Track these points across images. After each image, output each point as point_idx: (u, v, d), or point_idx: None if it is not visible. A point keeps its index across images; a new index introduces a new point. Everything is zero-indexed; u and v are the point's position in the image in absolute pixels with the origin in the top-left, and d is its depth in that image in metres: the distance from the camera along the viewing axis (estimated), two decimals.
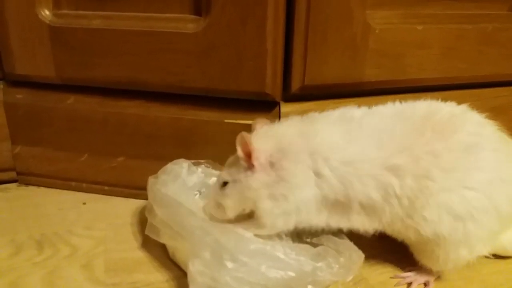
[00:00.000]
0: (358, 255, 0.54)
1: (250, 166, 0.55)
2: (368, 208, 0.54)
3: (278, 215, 0.56)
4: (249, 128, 0.69)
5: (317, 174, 0.54)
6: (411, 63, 0.72)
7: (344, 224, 0.57)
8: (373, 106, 0.60)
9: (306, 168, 0.54)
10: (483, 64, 0.77)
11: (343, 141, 0.55)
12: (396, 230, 0.56)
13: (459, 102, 0.60)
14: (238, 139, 0.54)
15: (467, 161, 0.54)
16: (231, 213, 0.59)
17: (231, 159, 0.60)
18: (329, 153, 0.54)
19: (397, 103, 0.59)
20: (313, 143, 0.55)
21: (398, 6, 0.70)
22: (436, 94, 0.75)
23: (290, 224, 0.57)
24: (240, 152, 0.55)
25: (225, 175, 0.59)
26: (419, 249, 0.59)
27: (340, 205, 0.55)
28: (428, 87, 0.75)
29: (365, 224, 0.56)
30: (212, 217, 0.61)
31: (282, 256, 0.50)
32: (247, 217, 0.61)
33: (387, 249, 0.63)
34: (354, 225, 0.56)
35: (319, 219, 0.57)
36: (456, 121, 0.55)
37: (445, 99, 0.61)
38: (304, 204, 0.55)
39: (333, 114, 0.58)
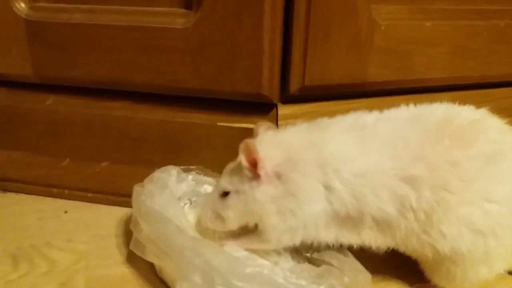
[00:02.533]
0: (365, 276, 0.49)
1: (256, 177, 0.51)
2: (382, 223, 0.50)
3: (285, 231, 0.52)
4: (244, 132, 0.64)
5: (327, 187, 0.50)
6: (419, 62, 0.68)
7: (354, 240, 0.52)
8: (385, 110, 0.55)
9: (316, 181, 0.50)
10: (495, 63, 0.72)
11: (355, 151, 0.50)
12: (411, 247, 0.51)
13: (469, 103, 0.56)
14: (242, 147, 0.49)
15: (489, 172, 0.49)
16: (232, 226, 0.55)
17: (231, 165, 0.55)
18: (341, 165, 0.50)
19: (411, 107, 0.55)
20: (323, 154, 0.50)
21: (405, 0, 0.65)
22: (445, 94, 0.71)
23: (296, 239, 0.53)
24: (244, 161, 0.50)
25: (226, 184, 0.54)
26: (433, 268, 0.54)
27: (351, 220, 0.51)
28: (437, 87, 0.71)
29: (377, 241, 0.52)
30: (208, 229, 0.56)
31: (281, 280, 0.45)
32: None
33: (394, 263, 0.59)
34: (365, 241, 0.52)
35: (327, 235, 0.52)
36: (476, 127, 0.51)
37: (454, 100, 0.57)
38: (312, 220, 0.51)
39: (344, 121, 0.54)
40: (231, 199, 0.53)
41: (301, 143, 0.52)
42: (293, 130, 0.55)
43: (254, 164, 0.50)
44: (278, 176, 0.51)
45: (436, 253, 0.50)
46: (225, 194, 0.54)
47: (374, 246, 0.52)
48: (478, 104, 0.56)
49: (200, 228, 0.59)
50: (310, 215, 0.50)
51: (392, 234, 0.51)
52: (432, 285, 0.57)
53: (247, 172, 0.51)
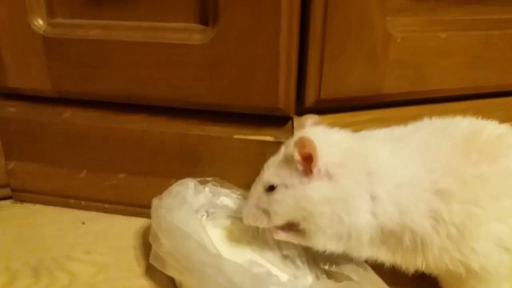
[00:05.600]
0: None
1: (307, 172, 0.50)
2: (417, 241, 0.50)
3: (331, 237, 0.51)
4: (260, 144, 0.65)
5: (373, 197, 0.50)
6: (434, 73, 0.67)
7: (389, 259, 0.53)
8: (408, 123, 0.56)
9: (364, 190, 0.50)
10: (511, 72, 0.71)
11: (395, 162, 0.51)
12: (444, 267, 0.51)
13: (485, 112, 0.57)
14: (298, 140, 0.48)
15: None
16: (278, 221, 0.54)
17: (275, 159, 0.54)
18: (384, 175, 0.50)
19: (435, 119, 0.56)
20: (370, 162, 0.50)
21: (420, 12, 0.65)
22: (459, 104, 0.71)
23: (340, 248, 0.52)
24: (297, 154, 0.49)
25: (273, 177, 0.52)
26: (455, 286, 0.54)
27: (393, 237, 0.51)
28: (451, 97, 0.70)
29: (407, 262, 0.52)
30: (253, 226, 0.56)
31: None
32: None
33: (410, 276, 0.58)
34: (398, 261, 0.52)
35: (367, 251, 0.52)
36: (502, 142, 0.51)
37: (468, 109, 0.58)
38: (356, 232, 0.50)
39: (379, 133, 0.55)
40: (279, 193, 0.52)
41: (352, 147, 0.52)
42: (344, 133, 0.54)
43: (306, 159, 0.49)
44: (329, 176, 0.50)
45: (469, 270, 0.50)
46: (271, 188, 0.52)
47: (404, 267, 0.53)
48: (492, 113, 0.57)
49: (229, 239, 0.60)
50: (356, 225, 0.50)
51: (424, 254, 0.50)
52: None
53: (299, 166, 0.50)
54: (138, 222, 0.72)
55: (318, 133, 0.53)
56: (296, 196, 0.51)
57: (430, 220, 0.49)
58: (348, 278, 0.53)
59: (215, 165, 0.68)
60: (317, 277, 0.56)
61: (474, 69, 0.69)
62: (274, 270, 0.55)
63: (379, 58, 0.63)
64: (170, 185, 0.63)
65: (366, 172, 0.50)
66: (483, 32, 0.68)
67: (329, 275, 0.57)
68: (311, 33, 0.59)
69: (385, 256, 0.53)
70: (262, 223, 0.54)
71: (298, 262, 0.58)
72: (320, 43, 0.60)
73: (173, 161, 0.69)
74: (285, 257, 0.59)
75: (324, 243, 0.52)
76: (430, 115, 0.57)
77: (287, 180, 0.51)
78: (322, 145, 0.49)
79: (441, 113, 0.57)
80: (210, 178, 0.66)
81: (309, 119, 0.56)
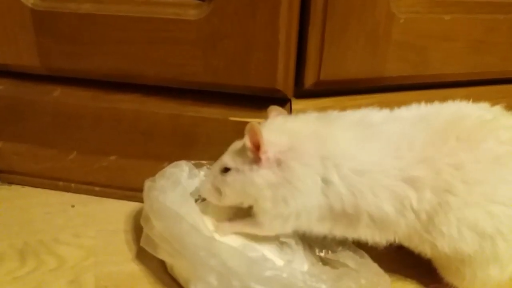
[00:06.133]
0: (384, 279, 0.48)
1: (257, 159, 0.51)
2: (378, 221, 0.50)
3: (276, 216, 0.52)
4: None
5: (325, 181, 0.50)
6: (436, 57, 0.65)
7: (350, 234, 0.53)
8: (396, 108, 0.54)
9: (314, 173, 0.50)
10: None
11: (357, 149, 0.50)
12: (413, 243, 0.52)
13: (485, 99, 0.55)
14: (248, 128, 0.50)
15: (496, 173, 0.49)
16: (227, 202, 0.56)
17: (237, 144, 0.55)
18: (341, 160, 0.50)
19: (422, 106, 0.55)
20: (326, 147, 0.51)
21: None
22: (460, 90, 0.69)
23: (287, 227, 0.54)
24: (248, 142, 0.51)
25: (229, 160, 0.54)
26: (443, 266, 0.55)
27: (346, 216, 0.51)
28: (454, 82, 0.69)
29: (375, 237, 0.52)
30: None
31: (300, 284, 0.43)
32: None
33: (408, 263, 0.58)
34: (362, 236, 0.52)
35: (320, 228, 0.53)
36: (485, 128, 0.50)
37: (470, 95, 0.56)
38: (305, 211, 0.52)
39: (352, 116, 0.54)
40: (230, 177, 0.54)
41: (306, 133, 0.52)
42: (302, 119, 0.55)
43: (257, 147, 0.51)
44: (279, 162, 0.51)
45: (436, 251, 0.50)
46: (226, 170, 0.54)
47: (371, 241, 0.52)
48: (494, 100, 0.55)
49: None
50: (303, 206, 0.51)
51: (393, 230, 0.51)
52: (447, 285, 0.56)
53: (249, 154, 0.51)
54: (129, 206, 0.71)
55: (272, 122, 0.55)
56: (244, 182, 0.53)
57: (395, 204, 0.49)
58: (344, 265, 0.52)
59: (210, 148, 0.66)
60: (313, 264, 0.55)
61: (476, 54, 0.67)
62: (269, 255, 0.53)
63: (382, 39, 0.61)
64: (163, 168, 0.61)
65: (320, 156, 0.50)
66: (487, 16, 0.66)
67: (325, 262, 0.56)
68: (312, 11, 0.57)
69: (343, 232, 0.53)
70: (214, 200, 0.57)
71: (294, 248, 0.57)
72: (321, 22, 0.58)
73: (166, 143, 0.67)
74: (281, 243, 0.57)
75: (269, 224, 0.53)
76: (431, 101, 0.55)
77: (239, 165, 0.53)
78: (272, 134, 0.51)
79: (441, 99, 0.56)
80: (205, 162, 0.64)
81: (273, 111, 0.57)
